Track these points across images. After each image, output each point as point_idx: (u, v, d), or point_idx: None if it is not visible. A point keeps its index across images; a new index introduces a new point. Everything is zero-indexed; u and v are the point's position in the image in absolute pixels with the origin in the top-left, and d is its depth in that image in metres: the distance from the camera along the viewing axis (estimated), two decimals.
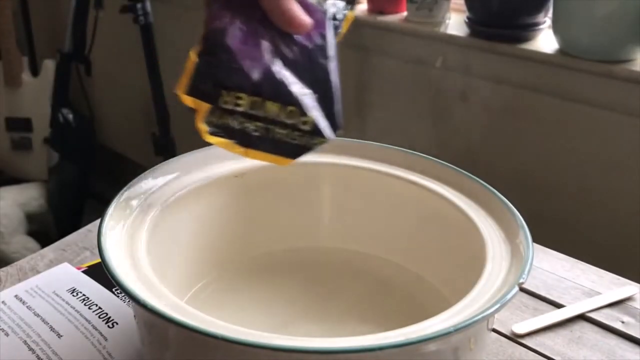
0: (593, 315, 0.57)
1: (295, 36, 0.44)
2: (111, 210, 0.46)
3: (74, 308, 0.53)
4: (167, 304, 0.38)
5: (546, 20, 1.22)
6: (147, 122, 1.90)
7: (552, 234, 0.78)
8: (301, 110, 0.43)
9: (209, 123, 0.42)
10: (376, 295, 0.55)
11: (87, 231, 0.66)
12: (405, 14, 1.36)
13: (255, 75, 0.42)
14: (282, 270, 0.57)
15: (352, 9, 0.47)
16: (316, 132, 0.43)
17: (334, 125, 0.44)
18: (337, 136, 0.44)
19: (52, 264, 0.60)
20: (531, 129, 1.25)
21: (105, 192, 1.68)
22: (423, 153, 0.55)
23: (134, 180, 0.50)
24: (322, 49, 0.44)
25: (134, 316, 0.46)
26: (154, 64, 1.71)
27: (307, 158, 0.44)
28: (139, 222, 0.46)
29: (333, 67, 0.44)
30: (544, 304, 0.59)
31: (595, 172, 1.19)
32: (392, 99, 1.41)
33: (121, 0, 1.67)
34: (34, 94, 1.99)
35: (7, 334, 0.51)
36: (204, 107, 0.42)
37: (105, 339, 0.50)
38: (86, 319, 0.52)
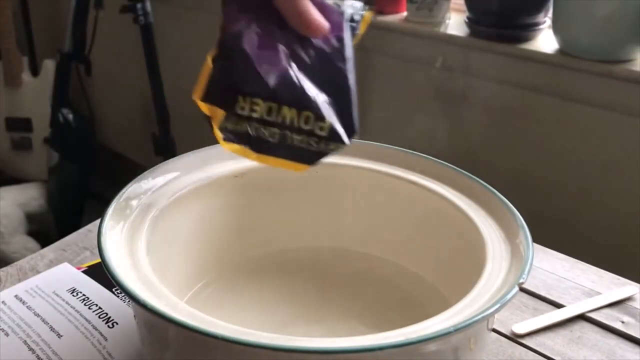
0: (593, 315, 0.57)
1: (312, 39, 0.43)
2: (111, 210, 0.46)
3: (74, 308, 0.53)
4: (167, 304, 0.38)
5: (546, 20, 1.22)
6: (147, 122, 1.90)
7: (552, 234, 0.78)
8: (317, 116, 0.42)
9: (223, 129, 0.42)
10: (376, 295, 0.55)
11: (87, 231, 0.66)
12: (405, 14, 1.36)
13: (272, 80, 0.41)
14: (282, 270, 0.57)
15: (369, 9, 0.47)
16: (333, 137, 0.42)
17: (350, 130, 0.43)
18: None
19: (52, 264, 0.60)
20: (531, 129, 1.25)
21: (105, 192, 1.68)
22: (423, 153, 0.55)
23: (134, 180, 0.50)
24: (340, 52, 0.44)
25: (134, 316, 0.46)
26: (154, 64, 1.71)
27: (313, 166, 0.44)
28: (139, 222, 0.46)
29: (350, 70, 0.44)
30: (544, 304, 0.59)
31: (595, 172, 1.19)
32: (392, 99, 1.41)
33: (121, 0, 1.67)
34: (34, 94, 2.00)
35: (7, 334, 0.51)
36: (219, 113, 0.42)
37: (105, 339, 0.50)
38: (86, 319, 0.52)
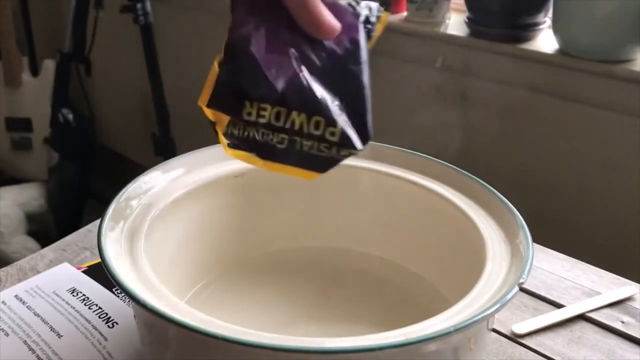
0: (593, 315, 0.57)
1: (324, 42, 0.41)
2: (111, 210, 0.46)
3: (74, 308, 0.53)
4: (167, 304, 0.38)
5: (546, 20, 1.22)
6: (147, 122, 1.90)
7: (552, 234, 0.78)
8: (328, 120, 0.40)
9: (229, 135, 0.40)
10: (376, 295, 0.55)
11: (87, 231, 0.66)
12: (405, 14, 1.36)
13: (280, 84, 0.40)
14: (282, 270, 0.57)
15: (385, 10, 0.45)
16: (344, 143, 0.40)
17: (365, 136, 0.41)
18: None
19: (52, 264, 0.60)
20: (531, 129, 1.25)
21: (105, 192, 1.68)
22: (423, 153, 0.55)
23: (134, 180, 0.50)
24: (353, 54, 0.42)
25: (134, 316, 0.46)
26: (154, 64, 1.71)
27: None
28: (139, 222, 0.46)
29: (365, 74, 0.42)
30: (544, 304, 0.58)
31: (595, 172, 1.19)
32: (392, 99, 1.41)
33: (121, 0, 1.67)
34: (34, 94, 2.00)
35: (7, 334, 0.51)
36: (224, 119, 0.40)
37: (105, 339, 0.50)
38: (86, 319, 0.52)
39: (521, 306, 0.58)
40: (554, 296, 0.59)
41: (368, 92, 0.42)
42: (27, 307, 0.54)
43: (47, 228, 1.91)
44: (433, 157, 0.55)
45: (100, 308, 0.53)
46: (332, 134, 0.40)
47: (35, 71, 2.02)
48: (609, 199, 1.18)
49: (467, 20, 1.26)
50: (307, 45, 0.41)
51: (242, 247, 0.57)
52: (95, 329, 0.51)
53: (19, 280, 0.58)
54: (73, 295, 0.55)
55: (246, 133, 0.40)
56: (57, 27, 2.12)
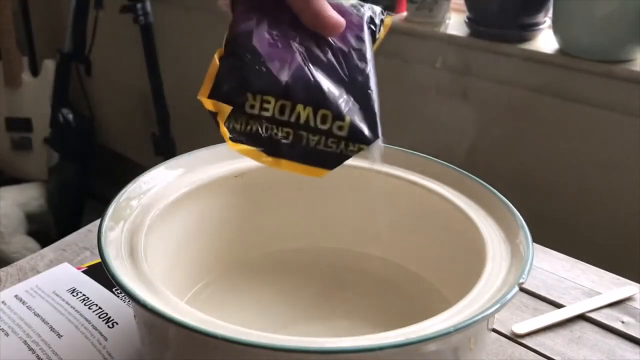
0: (593, 315, 0.57)
1: (329, 39, 0.41)
2: (111, 210, 0.46)
3: (74, 308, 0.53)
4: (167, 304, 0.38)
5: (546, 20, 1.22)
6: (147, 122, 1.90)
7: (552, 234, 0.78)
8: (336, 114, 0.39)
9: (232, 130, 0.39)
10: (376, 295, 0.55)
11: (87, 231, 0.66)
12: (405, 14, 1.36)
13: (284, 77, 0.39)
14: (282, 270, 0.57)
15: (389, 14, 0.44)
16: (353, 137, 0.39)
17: (374, 132, 0.39)
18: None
19: (52, 264, 0.60)
20: (531, 129, 1.25)
21: (105, 192, 1.68)
22: (423, 153, 0.55)
23: (134, 180, 0.50)
24: (359, 51, 0.41)
25: (134, 316, 0.46)
26: (154, 64, 1.71)
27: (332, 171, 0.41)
28: (139, 222, 0.46)
29: (371, 72, 0.41)
30: (544, 304, 0.58)
31: (595, 172, 1.19)
32: (392, 99, 1.41)
33: (121, 0, 1.67)
34: (34, 94, 2.00)
35: (7, 334, 0.51)
36: (225, 109, 0.39)
37: (105, 339, 0.50)
38: (86, 319, 0.52)
39: (521, 306, 0.58)
40: (554, 296, 0.59)
41: (376, 91, 0.41)
42: (27, 307, 0.54)
43: (47, 228, 1.91)
44: (433, 157, 0.55)
45: (100, 308, 0.53)
46: (340, 128, 0.39)
47: (35, 71, 2.02)
48: (609, 199, 1.18)
49: (467, 20, 1.26)
50: (311, 41, 0.40)
51: (242, 247, 0.57)
52: (95, 329, 0.51)
53: (19, 280, 0.58)
54: (73, 295, 0.55)
55: (249, 127, 0.39)
56: (57, 27, 2.12)
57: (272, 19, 0.40)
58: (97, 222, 0.47)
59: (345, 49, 0.41)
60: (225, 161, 0.54)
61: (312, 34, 0.41)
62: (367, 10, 0.43)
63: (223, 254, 0.56)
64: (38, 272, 0.59)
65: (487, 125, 1.27)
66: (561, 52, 1.17)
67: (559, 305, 0.58)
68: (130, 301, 0.43)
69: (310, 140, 0.39)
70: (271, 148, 0.39)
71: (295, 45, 0.40)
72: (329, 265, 0.58)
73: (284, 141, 0.39)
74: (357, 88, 0.40)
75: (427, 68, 1.32)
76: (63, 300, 0.54)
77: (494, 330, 0.55)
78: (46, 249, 0.63)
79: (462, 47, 1.27)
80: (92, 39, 1.83)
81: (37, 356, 0.49)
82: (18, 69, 1.98)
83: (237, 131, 0.39)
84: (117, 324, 0.52)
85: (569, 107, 1.19)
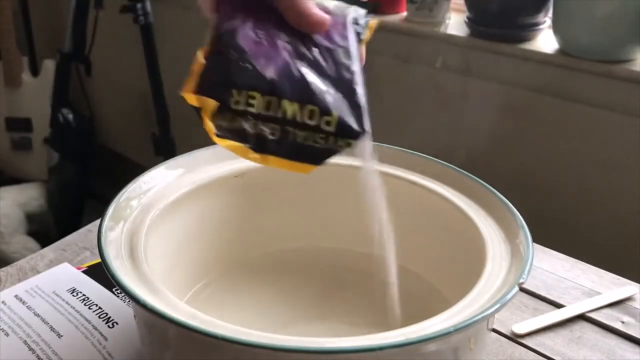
0: (593, 315, 0.57)
1: (315, 37, 0.41)
2: (111, 210, 0.46)
3: (74, 308, 0.53)
4: (167, 304, 0.38)
5: (546, 20, 1.22)
6: (147, 122, 1.90)
7: (552, 234, 0.78)
8: (323, 109, 0.38)
9: (218, 127, 0.38)
10: (376, 295, 0.55)
11: (87, 231, 0.66)
12: (405, 14, 1.36)
13: (270, 73, 0.38)
14: (282, 270, 0.57)
15: (373, 17, 0.44)
16: (341, 132, 0.39)
17: (362, 129, 0.39)
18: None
19: (52, 264, 0.60)
20: (531, 129, 1.25)
21: (105, 192, 1.68)
22: (423, 153, 0.55)
23: (134, 180, 0.50)
24: (345, 49, 0.41)
25: (134, 316, 0.46)
26: (154, 64, 1.71)
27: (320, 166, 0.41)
28: (139, 222, 0.46)
29: (357, 70, 0.41)
30: (544, 304, 0.58)
31: (595, 172, 1.19)
32: (392, 99, 1.41)
33: (121, 0, 1.67)
34: (34, 94, 2.00)
35: (7, 334, 0.51)
36: (210, 104, 0.38)
37: (105, 339, 0.50)
38: (86, 319, 0.52)
39: (521, 306, 0.58)
40: (554, 296, 0.59)
41: (363, 86, 0.41)
42: (27, 307, 0.54)
43: (47, 228, 1.91)
44: (433, 157, 0.55)
45: (100, 308, 0.53)
46: (328, 123, 0.39)
47: (35, 71, 2.02)
48: (609, 199, 1.18)
49: (467, 20, 1.26)
50: (297, 40, 0.40)
51: (242, 247, 0.57)
52: (95, 329, 0.51)
53: (19, 280, 0.58)
54: (73, 295, 0.55)
55: (235, 124, 0.39)
56: (57, 27, 2.12)
57: (256, 18, 0.40)
58: (97, 222, 0.47)
59: (330, 46, 0.41)
60: (225, 161, 0.54)
61: (297, 32, 0.41)
62: (352, 12, 0.43)
63: (223, 254, 0.56)
64: (38, 272, 0.59)
65: (487, 125, 1.27)
66: (561, 52, 1.17)
67: (559, 305, 0.58)
68: (130, 301, 0.43)
69: (297, 136, 0.39)
70: (258, 144, 0.39)
71: (280, 43, 0.40)
72: (329, 265, 0.58)
73: (271, 137, 0.39)
74: (343, 84, 0.40)
75: (427, 68, 1.32)
76: (63, 300, 0.54)
77: (494, 330, 0.55)
78: (46, 249, 0.63)
79: (462, 47, 1.27)
80: (92, 39, 1.83)
81: (37, 356, 0.49)
82: (18, 69, 1.98)
83: (223, 128, 0.39)
84: (117, 324, 0.52)
85: (569, 107, 1.19)
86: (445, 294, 0.52)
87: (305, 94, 0.39)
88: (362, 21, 0.43)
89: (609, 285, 0.61)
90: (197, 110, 0.39)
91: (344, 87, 0.40)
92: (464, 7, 1.27)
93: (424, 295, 0.54)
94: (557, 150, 1.23)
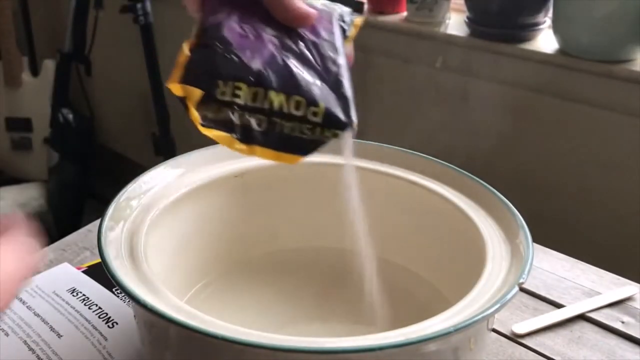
0: (593, 315, 0.57)
1: (301, 31, 0.41)
2: (111, 210, 0.46)
3: (74, 308, 0.53)
4: (167, 304, 0.38)
5: (546, 20, 1.22)
6: (147, 122, 1.90)
7: (552, 234, 0.78)
8: (310, 100, 0.38)
9: (203, 117, 0.38)
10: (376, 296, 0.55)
11: (87, 231, 0.66)
12: (405, 14, 1.36)
13: (256, 64, 0.38)
14: (282, 270, 0.57)
15: (359, 16, 0.45)
16: (328, 123, 0.39)
17: (349, 120, 0.39)
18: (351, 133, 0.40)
19: (52, 264, 0.60)
20: (531, 129, 1.25)
21: (105, 192, 1.68)
22: (423, 153, 0.55)
23: (134, 180, 0.50)
24: (331, 43, 0.41)
25: (134, 316, 0.46)
26: (154, 64, 1.71)
27: (307, 158, 0.42)
28: (139, 222, 0.46)
29: (343, 63, 0.41)
30: (544, 304, 0.58)
31: (595, 172, 1.19)
32: (392, 99, 1.41)
33: (121, 0, 1.67)
34: (34, 94, 2.00)
35: (7, 334, 0.51)
36: (195, 94, 0.38)
37: (105, 339, 0.50)
38: (86, 319, 0.52)
39: (521, 306, 0.58)
40: (554, 296, 0.59)
41: (349, 78, 0.41)
42: (27, 307, 0.53)
43: (47, 228, 1.90)
44: (433, 157, 0.55)
45: (100, 308, 0.53)
46: (315, 114, 0.39)
47: (35, 71, 2.02)
48: (609, 199, 1.18)
49: (467, 20, 1.26)
50: (283, 34, 0.41)
51: (242, 247, 0.57)
52: (95, 329, 0.51)
53: None
54: (73, 295, 0.55)
55: (222, 114, 0.39)
56: (57, 27, 2.12)
57: (242, 13, 0.40)
58: (97, 222, 0.47)
59: (316, 40, 0.41)
60: (225, 161, 0.54)
61: (284, 27, 0.41)
62: (337, 8, 0.44)
63: (223, 254, 0.56)
64: (38, 272, 0.59)
65: (487, 125, 1.27)
66: (561, 52, 1.17)
67: (559, 305, 0.58)
68: (130, 301, 0.43)
69: (284, 127, 0.39)
70: (244, 135, 0.39)
71: (266, 37, 0.40)
72: (329, 265, 0.58)
73: (258, 128, 0.39)
74: (330, 76, 0.40)
75: (427, 68, 1.32)
76: (63, 300, 0.54)
77: (494, 330, 0.55)
78: (46, 249, 0.63)
79: (462, 47, 1.27)
80: (92, 39, 1.83)
81: (37, 356, 0.49)
82: (18, 69, 1.98)
83: (209, 119, 0.39)
84: (117, 324, 0.52)
85: (569, 107, 1.19)
86: (445, 294, 0.52)
87: (291, 85, 0.39)
88: (347, 18, 0.44)
89: (609, 285, 0.61)
90: (183, 100, 0.39)
91: (331, 79, 0.40)
92: (464, 7, 1.27)
93: (424, 295, 0.54)
94: (557, 150, 1.23)
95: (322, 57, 0.41)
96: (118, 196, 0.48)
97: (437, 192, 0.52)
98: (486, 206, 0.50)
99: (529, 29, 1.20)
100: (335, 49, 0.41)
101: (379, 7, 1.38)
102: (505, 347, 0.53)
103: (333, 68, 0.40)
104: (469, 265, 0.46)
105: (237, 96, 0.38)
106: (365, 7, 1.45)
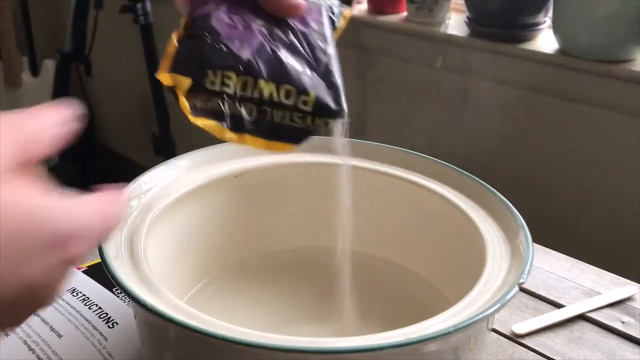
0: (593, 315, 0.57)
1: (290, 22, 0.41)
2: None
3: (74, 308, 0.53)
4: (167, 304, 0.38)
5: (546, 20, 1.22)
6: (147, 122, 1.90)
7: (552, 234, 0.78)
8: (300, 89, 0.39)
9: (193, 107, 0.38)
10: (376, 295, 0.55)
11: None
12: (405, 14, 1.36)
13: (245, 53, 0.38)
14: (282, 270, 0.57)
15: (347, 7, 0.45)
16: (319, 111, 0.39)
17: (340, 108, 0.40)
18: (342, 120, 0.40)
19: None
20: (531, 129, 1.25)
21: None
22: (423, 153, 0.55)
23: (134, 180, 0.50)
24: (320, 33, 0.41)
25: (134, 316, 0.46)
26: (154, 64, 1.71)
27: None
28: (139, 222, 0.46)
29: (333, 52, 0.41)
30: (544, 304, 0.58)
31: (595, 172, 1.19)
32: (392, 99, 1.41)
33: (121, 0, 1.67)
34: (34, 94, 2.00)
35: (7, 334, 0.51)
36: (184, 83, 0.38)
37: (105, 339, 0.50)
38: (86, 319, 0.52)
39: (521, 306, 0.58)
40: (554, 296, 0.59)
41: (338, 67, 0.41)
42: None
43: None
44: (433, 157, 0.55)
45: (100, 308, 0.53)
46: (305, 102, 0.39)
47: (35, 71, 2.02)
48: (609, 199, 1.18)
49: (467, 20, 1.26)
50: (272, 24, 0.41)
51: (242, 247, 0.57)
52: (95, 329, 0.51)
53: None
54: (73, 295, 0.55)
55: (211, 104, 0.38)
56: (57, 27, 2.13)
57: (231, 4, 0.40)
58: None
59: (306, 31, 0.41)
60: (225, 161, 0.54)
61: (273, 18, 0.41)
62: (326, 0, 0.44)
63: (223, 254, 0.56)
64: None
65: (487, 125, 1.27)
66: (561, 52, 1.17)
67: (559, 305, 0.58)
68: (130, 301, 0.43)
69: (275, 116, 0.39)
70: (235, 124, 0.39)
71: (255, 27, 0.40)
72: (329, 265, 0.58)
73: (248, 117, 0.39)
74: (320, 65, 0.40)
75: (427, 68, 1.32)
76: (63, 300, 0.54)
77: (494, 330, 0.55)
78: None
79: (462, 47, 1.27)
80: (92, 39, 1.83)
81: (37, 356, 0.49)
82: (18, 69, 1.98)
83: (199, 109, 0.39)
84: (117, 324, 0.52)
85: (569, 107, 1.19)
86: (445, 294, 0.52)
87: (281, 74, 0.39)
88: (336, 10, 0.44)
89: (609, 285, 0.61)
90: (172, 90, 0.39)
91: (320, 68, 0.40)
92: (464, 7, 1.27)
93: (424, 295, 0.54)
94: (557, 150, 1.23)
95: (312, 47, 0.41)
96: None
97: (437, 192, 0.52)
98: (486, 206, 0.50)
99: (529, 29, 1.20)
100: (324, 39, 0.41)
101: (379, 7, 1.38)
102: (505, 347, 0.53)
103: (323, 57, 0.41)
104: (469, 265, 0.46)
105: (227, 85, 0.38)
106: (365, 6, 1.45)
